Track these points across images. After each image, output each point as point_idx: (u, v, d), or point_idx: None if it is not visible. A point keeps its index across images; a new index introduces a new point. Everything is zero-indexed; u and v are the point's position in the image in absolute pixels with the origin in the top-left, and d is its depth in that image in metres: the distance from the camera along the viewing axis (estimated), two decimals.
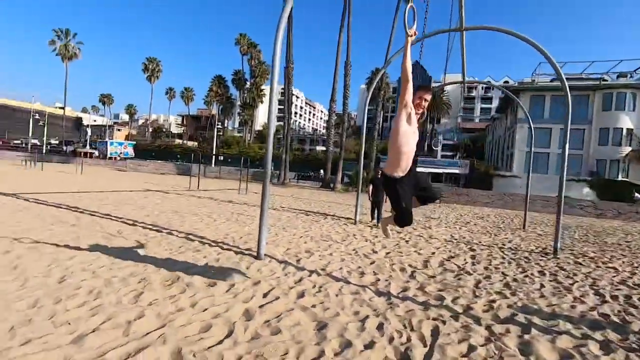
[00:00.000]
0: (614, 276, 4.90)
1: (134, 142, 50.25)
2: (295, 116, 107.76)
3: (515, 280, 4.39)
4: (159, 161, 31.33)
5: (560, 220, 6.19)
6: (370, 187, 8.43)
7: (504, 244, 6.98)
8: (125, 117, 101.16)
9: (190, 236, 5.33)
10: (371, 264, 4.70)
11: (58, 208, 7.01)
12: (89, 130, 60.53)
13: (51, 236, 4.70)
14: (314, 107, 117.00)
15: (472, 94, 73.00)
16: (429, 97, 2.88)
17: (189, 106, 74.54)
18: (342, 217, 9.26)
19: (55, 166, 25.68)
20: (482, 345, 2.58)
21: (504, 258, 5.64)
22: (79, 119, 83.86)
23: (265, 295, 3.23)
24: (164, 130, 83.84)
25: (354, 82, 23.82)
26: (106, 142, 46.30)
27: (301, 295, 3.32)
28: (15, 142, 54.39)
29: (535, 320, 3.10)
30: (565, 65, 36.01)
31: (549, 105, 29.35)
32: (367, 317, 2.93)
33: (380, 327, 2.78)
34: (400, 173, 2.90)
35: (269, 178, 4.59)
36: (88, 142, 54.35)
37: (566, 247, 6.98)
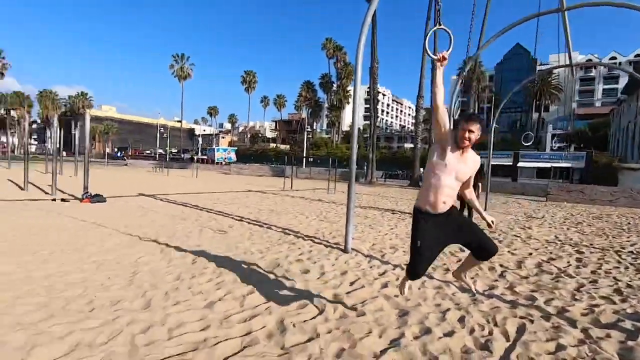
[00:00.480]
0: None
1: (236, 148, 56.08)
2: (382, 114, 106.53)
3: (629, 286, 3.94)
4: (257, 164, 34.45)
5: None
6: None
7: (623, 247, 6.11)
8: (228, 126, 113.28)
9: (286, 231, 6.03)
10: (457, 261, 4.70)
11: (184, 206, 8.52)
12: (200, 140, 69.69)
13: (183, 229, 5.85)
14: (401, 104, 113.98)
15: (591, 74, 62.26)
16: (475, 128, 2.32)
17: (281, 112, 79.85)
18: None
19: (176, 172, 30.37)
20: (573, 346, 2.52)
21: (619, 262, 5.01)
22: (192, 130, 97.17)
23: (351, 284, 3.60)
24: (260, 135, 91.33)
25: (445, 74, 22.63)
26: (213, 149, 52.76)
27: (385, 285, 3.60)
28: (147, 152, 65.74)
29: None
30: None
31: None
32: (448, 309, 3.07)
33: (461, 319, 2.91)
34: (427, 207, 2.43)
35: (354, 177, 4.96)
36: (199, 149, 62.57)
37: None
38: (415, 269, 2.48)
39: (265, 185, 17.46)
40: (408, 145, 57.88)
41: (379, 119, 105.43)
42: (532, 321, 2.91)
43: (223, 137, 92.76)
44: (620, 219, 10.37)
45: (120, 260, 3.91)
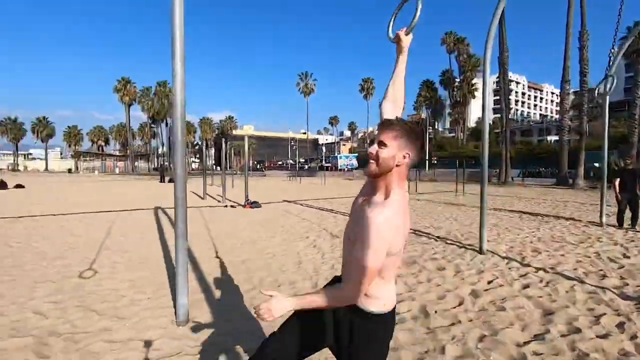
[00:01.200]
0: None
1: (357, 154, 58.01)
2: (516, 104, 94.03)
3: None
4: None
5: None
6: (617, 183, 6.89)
7: None
8: (348, 133, 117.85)
9: (417, 232, 6.36)
10: (619, 268, 4.24)
11: (321, 210, 9.68)
12: (323, 149, 74.71)
13: (328, 228, 6.81)
14: (540, 90, 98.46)
15: None
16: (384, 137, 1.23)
17: (401, 115, 78.59)
18: (581, 219, 8.01)
19: (307, 179, 33.47)
20: None
21: None
22: (316, 140, 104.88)
23: (489, 282, 3.74)
24: None
25: (595, 51, 18.53)
26: (336, 157, 55.87)
27: (526, 286, 3.62)
28: (279, 162, 74.22)
29: None
30: None
31: None
32: (603, 314, 2.96)
33: (620, 325, 2.80)
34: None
35: (486, 177, 5.00)
36: (323, 158, 67.08)
37: None
38: None
39: None
40: (552, 138, 49.61)
41: (512, 111, 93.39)
42: None
43: (344, 145, 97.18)
44: None
45: (287, 252, 4.96)
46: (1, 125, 68.10)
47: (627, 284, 3.67)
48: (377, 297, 1.19)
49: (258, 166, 65.11)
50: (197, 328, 2.65)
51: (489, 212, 9.01)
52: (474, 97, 53.58)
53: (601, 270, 4.15)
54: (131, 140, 61.10)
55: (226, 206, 10.22)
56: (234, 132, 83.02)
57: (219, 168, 73.94)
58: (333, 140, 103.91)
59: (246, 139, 11.35)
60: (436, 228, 6.78)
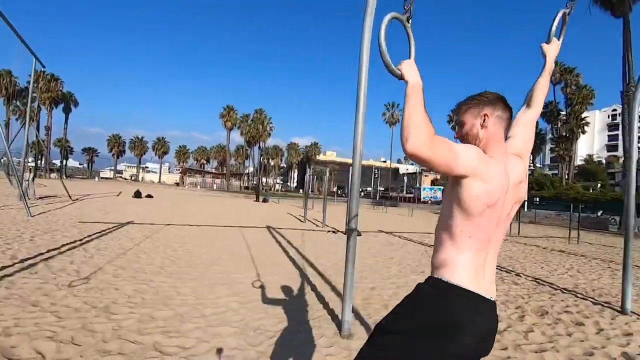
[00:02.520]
0: None
1: (442, 187, 55.70)
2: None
3: None
4: None
5: None
6: None
7: None
8: None
9: (537, 281, 6.09)
10: None
11: (422, 245, 9.75)
12: (405, 178, 73.29)
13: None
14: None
15: None
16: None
17: None
18: None
19: (392, 209, 33.23)
20: None
21: None
22: (397, 169, 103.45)
23: None
24: None
25: None
26: (419, 188, 54.38)
27: None
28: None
29: None
30: None
31: None
32: None
33: None
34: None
35: (631, 227, 4.72)
36: (405, 187, 65.75)
37: None
38: None
39: None
40: None
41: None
42: None
43: (425, 176, 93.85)
44: None
45: (407, 284, 5.25)
46: (132, 142, 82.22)
47: None
48: (447, 263, 1.13)
49: (339, 192, 66.58)
50: (358, 340, 3.11)
51: (618, 267, 8.09)
52: (583, 132, 47.96)
53: None
54: (229, 160, 68.00)
55: (328, 232, 10.92)
56: (317, 157, 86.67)
57: (301, 190, 77.39)
58: (414, 171, 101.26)
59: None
60: (559, 279, 6.39)
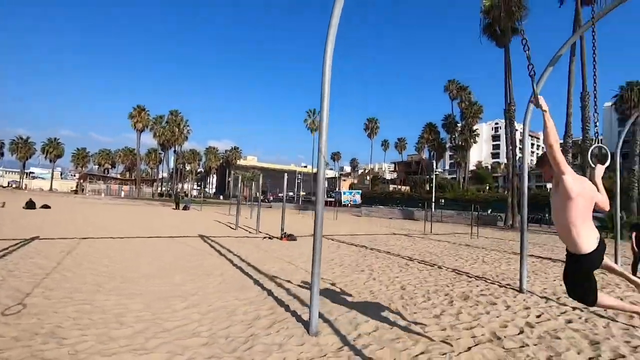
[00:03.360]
0: None
1: (360, 191, 59.16)
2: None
3: None
4: (385, 207, 35.87)
5: None
6: (634, 235, 7.76)
7: None
8: (348, 169, 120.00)
9: (455, 271, 7.11)
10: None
11: (356, 246, 10.41)
12: (325, 183, 75.86)
13: (377, 263, 7.54)
14: (538, 138, 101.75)
15: None
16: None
17: (402, 154, 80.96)
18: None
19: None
20: None
21: None
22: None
23: (538, 317, 4.49)
24: (379, 177, 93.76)
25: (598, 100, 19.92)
26: (340, 192, 56.93)
27: (569, 321, 4.37)
28: (280, 194, 75.12)
29: None
30: None
31: None
32: (598, 343, 3.71)
33: (599, 343, 3.56)
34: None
35: (526, 224, 5.86)
36: (325, 192, 67.99)
37: None
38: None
39: (404, 229, 18.64)
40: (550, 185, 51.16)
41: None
42: None
43: (344, 180, 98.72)
44: None
45: (348, 282, 5.69)
46: (12, 144, 69.40)
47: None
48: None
49: (262, 197, 66.00)
50: (326, 336, 3.38)
51: (510, 256, 9.78)
52: (475, 142, 55.77)
53: (624, 312, 4.90)
54: (139, 165, 62.11)
55: (264, 238, 10.93)
56: (238, 162, 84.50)
57: (221, 197, 74.21)
58: (333, 175, 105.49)
59: (296, 179, 12.24)
60: (471, 268, 7.54)
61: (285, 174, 12.79)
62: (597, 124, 4.10)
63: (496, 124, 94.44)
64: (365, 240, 12.16)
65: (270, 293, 4.77)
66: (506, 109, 22.92)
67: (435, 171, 57.30)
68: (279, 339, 3.30)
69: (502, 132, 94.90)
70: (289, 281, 5.52)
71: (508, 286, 6.00)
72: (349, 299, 4.79)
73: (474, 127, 54.78)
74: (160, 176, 79.88)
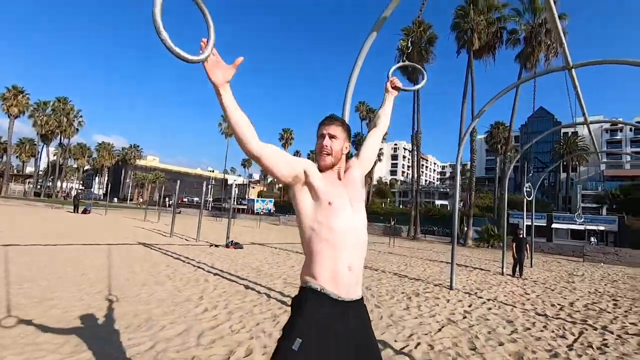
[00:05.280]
0: None
1: (272, 199, 59.61)
2: (405, 168, 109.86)
3: None
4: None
5: None
6: (514, 246, 10.36)
7: None
8: (257, 176, 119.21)
9: (397, 274, 8.51)
10: (527, 300, 7.01)
11: (294, 253, 11.15)
12: (235, 189, 74.17)
13: None
14: (426, 160, 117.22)
15: (618, 137, 64.09)
16: (335, 131, 1.51)
17: None
18: (489, 269, 11.34)
19: (237, 221, 33.49)
20: (609, 344, 4.83)
21: None
22: (226, 180, 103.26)
23: (469, 306, 6.01)
24: None
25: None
26: (253, 200, 56.54)
27: (489, 308, 5.98)
28: (184, 199, 70.79)
29: None
30: None
31: None
32: (534, 323, 5.41)
33: (545, 327, 5.27)
34: (325, 285, 1.33)
35: (455, 237, 7.52)
36: (234, 199, 66.57)
37: None
38: None
39: None
40: (440, 202, 59.89)
41: (404, 174, 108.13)
42: (586, 329, 5.22)
43: (253, 187, 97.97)
44: None
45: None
46: None
47: (536, 308, 6.34)
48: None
49: (167, 201, 61.08)
50: None
51: (426, 262, 11.78)
52: (380, 160, 61.81)
53: (518, 300, 6.84)
54: (9, 157, 51.55)
55: (210, 245, 10.88)
56: (137, 161, 76.81)
57: (115, 199, 66.19)
58: (242, 182, 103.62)
59: (233, 183, 12.28)
60: (407, 272, 9.08)
61: (207, 181, 12.81)
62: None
63: (395, 144, 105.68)
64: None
65: (268, 295, 5.30)
66: (413, 135, 26.66)
67: None
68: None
69: (399, 152, 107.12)
70: (274, 285, 6.07)
71: (441, 285, 7.60)
72: None
73: (380, 148, 60.89)
74: (34, 172, 67.29)
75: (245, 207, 56.30)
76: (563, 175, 58.68)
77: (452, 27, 24.71)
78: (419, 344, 3.95)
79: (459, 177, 9.34)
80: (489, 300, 6.61)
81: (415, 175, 27.55)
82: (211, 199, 68.88)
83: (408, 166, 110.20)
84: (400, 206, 66.29)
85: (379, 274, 8.47)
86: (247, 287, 5.73)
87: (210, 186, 60.31)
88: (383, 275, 8.32)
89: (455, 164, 9.12)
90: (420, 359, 3.55)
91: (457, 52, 25.38)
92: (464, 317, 5.27)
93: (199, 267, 7.09)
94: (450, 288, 7.25)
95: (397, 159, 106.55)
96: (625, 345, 4.54)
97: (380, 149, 60.32)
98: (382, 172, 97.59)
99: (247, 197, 75.38)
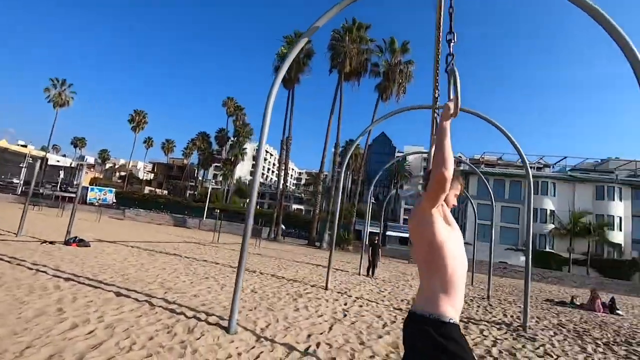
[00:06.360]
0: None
1: (113, 189, 51.05)
2: (267, 172, 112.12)
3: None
4: (148, 211, 33.16)
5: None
6: (370, 250, 11.99)
7: None
8: (90, 160, 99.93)
9: (275, 276, 8.60)
10: (384, 297, 8.21)
11: (163, 254, 9.92)
12: (62, 173, 60.35)
13: (178, 273, 7.81)
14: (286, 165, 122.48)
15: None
16: (461, 189, 1.86)
17: (168, 156, 76.60)
18: (348, 270, 12.70)
19: (56, 211, 26.88)
20: None
21: None
22: (46, 159, 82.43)
23: (345, 304, 6.62)
24: (134, 176, 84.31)
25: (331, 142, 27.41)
26: (87, 187, 47.01)
27: (360, 305, 6.74)
28: None
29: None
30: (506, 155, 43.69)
31: (492, 185, 35.74)
32: (396, 317, 6.40)
33: (402, 319, 6.28)
34: (454, 314, 1.49)
35: (333, 245, 8.15)
36: (59, 184, 54.20)
37: (494, 296, 10.87)
38: None
39: (190, 237, 18.44)
40: (295, 206, 63.21)
41: (264, 176, 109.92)
42: None
43: (87, 172, 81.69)
44: None
45: (145, 276, 6.02)
46: None
47: (392, 303, 7.51)
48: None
49: None
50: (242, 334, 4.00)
51: (295, 263, 12.32)
52: (243, 159, 61.11)
53: (378, 298, 7.96)
54: None
55: (43, 243, 8.47)
56: None
57: None
58: (71, 164, 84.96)
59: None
60: (283, 274, 9.26)
61: (39, 161, 10.22)
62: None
63: (257, 146, 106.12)
64: (170, 248, 11.71)
65: (150, 303, 4.57)
66: (284, 141, 27.59)
67: (206, 180, 58.15)
68: (202, 342, 3.66)
69: (266, 155, 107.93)
70: (152, 291, 5.25)
71: (317, 286, 8.09)
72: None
73: (244, 146, 60.20)
74: None
75: (74, 195, 46.34)
76: (393, 192, 71.41)
77: (329, 47, 26.93)
78: (318, 343, 4.13)
79: (341, 184, 10.17)
80: (358, 298, 7.43)
81: (282, 179, 28.45)
82: (22, 181, 54.08)
83: (268, 169, 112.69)
84: (258, 207, 67.12)
85: (258, 275, 8.39)
86: (118, 294, 4.78)
87: (25, 166, 47.32)
88: (263, 277, 8.29)
89: (340, 176, 9.83)
90: (325, 358, 3.72)
91: (329, 70, 27.77)
92: (345, 315, 5.77)
93: (38, 271, 5.46)
94: (326, 288, 7.81)
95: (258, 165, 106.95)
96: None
97: (244, 149, 59.86)
98: (242, 172, 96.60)
99: (77, 183, 62.27)
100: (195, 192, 63.33)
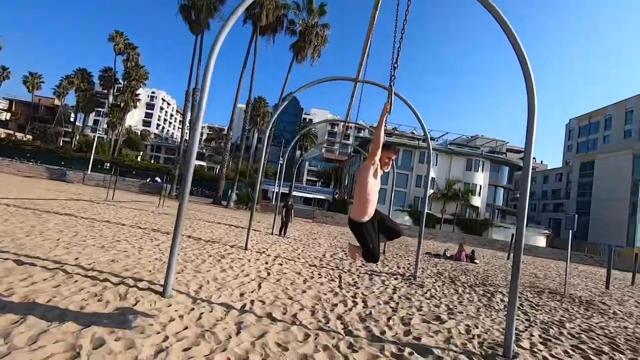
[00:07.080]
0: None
1: None
2: (164, 123, 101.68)
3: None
4: (12, 160, 27.44)
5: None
6: (284, 210, 12.44)
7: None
8: None
9: (192, 237, 8.37)
10: (298, 255, 8.84)
11: (52, 213, 8.61)
12: None
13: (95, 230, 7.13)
14: (184, 115, 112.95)
15: (335, 130, 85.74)
16: (394, 156, 3.28)
17: (33, 93, 62.78)
18: (260, 230, 13.02)
19: None
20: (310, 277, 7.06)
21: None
22: None
23: (266, 263, 6.99)
24: None
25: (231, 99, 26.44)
26: None
27: (280, 264, 7.20)
28: None
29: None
30: (401, 127, 48.28)
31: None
32: (312, 272, 7.06)
33: (319, 275, 6.97)
34: (366, 218, 3.16)
35: (255, 203, 8.28)
36: None
37: (389, 251, 12.63)
38: (373, 259, 3.27)
39: (79, 194, 16.03)
40: (198, 162, 59.47)
41: (160, 127, 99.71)
42: (343, 273, 7.35)
43: None
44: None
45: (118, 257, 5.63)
46: None
47: (306, 260, 8.18)
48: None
49: None
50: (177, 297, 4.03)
51: (207, 223, 12.09)
52: (135, 107, 54.01)
53: (293, 255, 8.54)
54: None
55: None
56: None
57: None
58: None
59: None
60: (199, 235, 9.05)
61: None
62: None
63: (152, 92, 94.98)
64: (58, 207, 10.14)
65: (65, 271, 4.13)
66: (187, 90, 25.31)
67: (86, 126, 49.87)
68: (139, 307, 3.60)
69: (157, 102, 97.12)
70: (62, 257, 4.69)
71: (236, 246, 8.22)
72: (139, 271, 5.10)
73: (137, 92, 52.99)
74: None
75: None
76: (298, 153, 72.94)
77: None
78: (252, 301, 4.41)
79: (265, 148, 10.07)
80: (276, 257, 7.85)
81: (187, 133, 26.40)
82: None
83: (165, 119, 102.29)
84: (152, 161, 61.22)
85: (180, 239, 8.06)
86: (19, 262, 4.17)
87: None
88: (182, 238, 7.98)
89: (250, 133, 9.72)
90: (262, 314, 4.04)
91: (244, 20, 25.89)
92: (269, 274, 6.12)
93: None
94: (245, 249, 8.02)
95: (152, 109, 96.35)
96: (365, 278, 6.81)
97: (137, 95, 52.90)
98: (133, 120, 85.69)
99: None
100: (74, 140, 54.20)
